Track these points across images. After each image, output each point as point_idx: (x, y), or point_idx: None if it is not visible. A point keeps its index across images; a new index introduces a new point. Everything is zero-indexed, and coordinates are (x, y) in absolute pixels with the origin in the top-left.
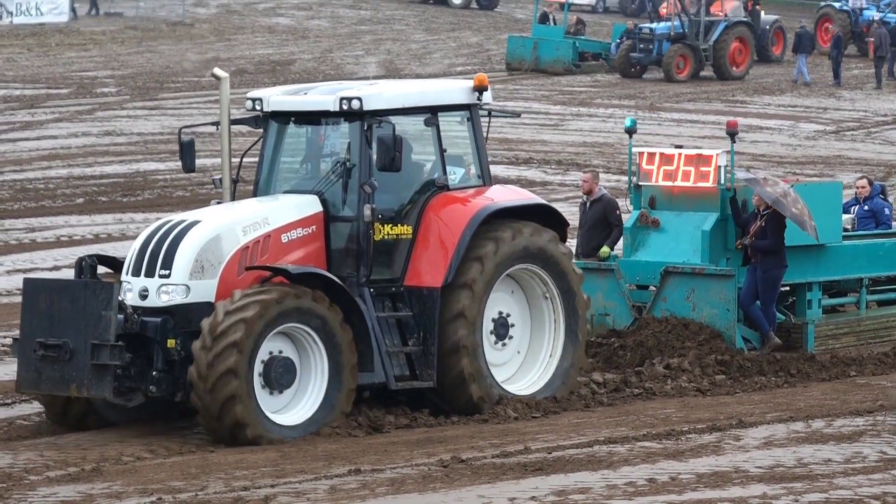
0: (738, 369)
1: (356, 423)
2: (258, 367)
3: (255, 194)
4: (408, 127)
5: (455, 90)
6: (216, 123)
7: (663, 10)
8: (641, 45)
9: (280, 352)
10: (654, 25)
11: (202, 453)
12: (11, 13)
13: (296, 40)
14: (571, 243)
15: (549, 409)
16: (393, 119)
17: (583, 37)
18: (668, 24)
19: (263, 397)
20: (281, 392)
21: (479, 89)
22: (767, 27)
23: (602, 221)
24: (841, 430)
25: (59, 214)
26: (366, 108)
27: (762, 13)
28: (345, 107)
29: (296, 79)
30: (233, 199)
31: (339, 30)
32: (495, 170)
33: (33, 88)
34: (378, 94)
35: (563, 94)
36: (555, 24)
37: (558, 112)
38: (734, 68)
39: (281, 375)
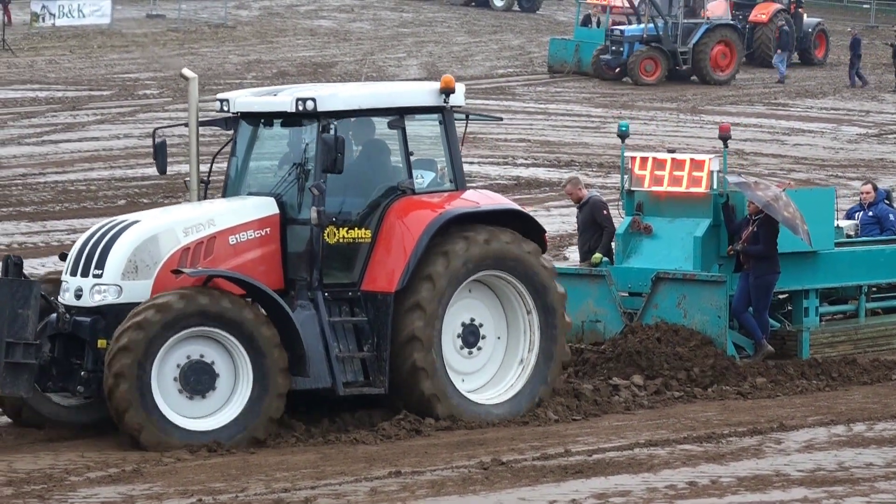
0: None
1: (399, 425)
2: (169, 371)
3: (224, 195)
4: (368, 129)
5: (420, 92)
6: (186, 124)
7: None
8: (613, 48)
9: (201, 356)
10: (624, 27)
11: (242, 455)
12: (54, 15)
13: (337, 42)
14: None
15: (590, 411)
16: (353, 120)
17: None
18: (641, 26)
19: (176, 401)
20: (201, 396)
21: (446, 91)
22: (810, 30)
23: (592, 223)
24: (882, 434)
25: (100, 216)
26: (320, 108)
27: (805, 16)
28: (300, 107)
29: (337, 81)
30: (202, 199)
31: (381, 32)
32: (536, 172)
33: (75, 90)
34: (334, 94)
35: (605, 97)
36: (598, 26)
37: (600, 115)
38: (718, 72)
39: (198, 380)
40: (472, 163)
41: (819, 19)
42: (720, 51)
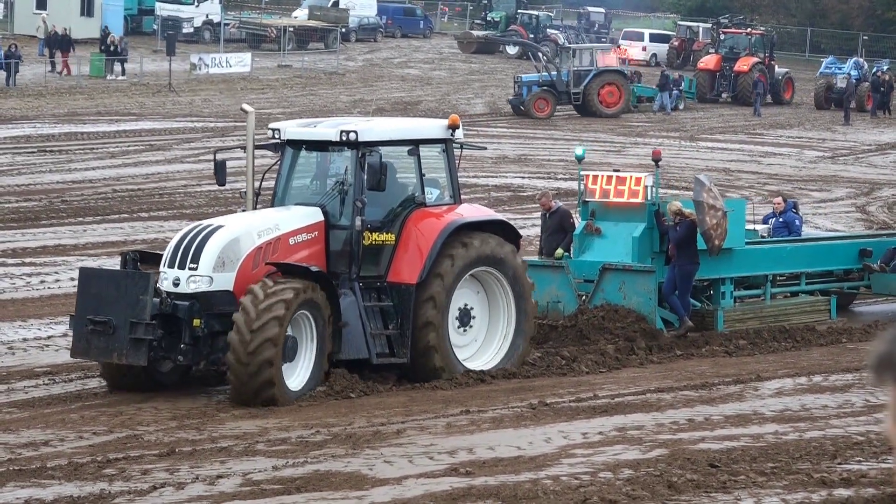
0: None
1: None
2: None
3: (272, 205)
4: (393, 155)
5: (433, 127)
6: (243, 147)
7: (701, 65)
8: (516, 90)
9: (291, 332)
10: (523, 75)
11: (349, 397)
12: (208, 65)
13: (422, 86)
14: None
15: (612, 365)
16: (382, 149)
17: (640, 84)
18: (538, 74)
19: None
20: (290, 362)
21: (452, 127)
22: (780, 77)
23: (560, 228)
24: (835, 384)
25: None
26: (360, 139)
27: (776, 66)
28: (344, 138)
29: (421, 116)
30: (254, 208)
31: (455, 78)
32: (572, 184)
33: (223, 121)
34: (371, 128)
35: (624, 128)
36: None
37: (620, 141)
38: (606, 108)
39: (290, 350)
40: (522, 177)
41: (787, 69)
42: (609, 90)
